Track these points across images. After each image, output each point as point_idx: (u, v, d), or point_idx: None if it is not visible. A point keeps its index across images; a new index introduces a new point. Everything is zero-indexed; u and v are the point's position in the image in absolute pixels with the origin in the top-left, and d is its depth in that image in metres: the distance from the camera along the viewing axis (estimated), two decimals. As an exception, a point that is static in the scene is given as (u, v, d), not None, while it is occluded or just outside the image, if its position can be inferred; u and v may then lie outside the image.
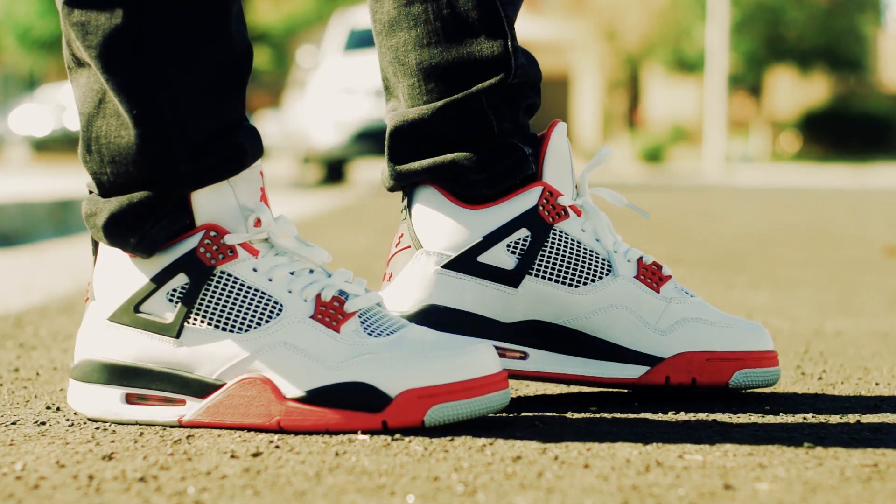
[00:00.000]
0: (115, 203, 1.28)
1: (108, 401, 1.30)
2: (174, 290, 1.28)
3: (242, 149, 1.29)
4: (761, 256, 3.96)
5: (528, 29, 32.95)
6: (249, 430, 1.25)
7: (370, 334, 1.25)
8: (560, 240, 1.42)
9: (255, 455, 1.13)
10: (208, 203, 1.28)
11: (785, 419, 1.32)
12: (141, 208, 1.27)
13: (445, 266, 1.42)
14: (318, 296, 1.27)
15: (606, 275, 1.42)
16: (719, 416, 1.33)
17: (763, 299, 2.64)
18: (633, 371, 1.41)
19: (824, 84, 32.32)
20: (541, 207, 1.42)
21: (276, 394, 1.23)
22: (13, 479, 1.05)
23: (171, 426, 1.28)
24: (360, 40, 13.25)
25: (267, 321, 1.26)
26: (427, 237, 1.43)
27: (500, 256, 1.42)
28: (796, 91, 32.44)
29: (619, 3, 30.58)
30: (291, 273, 1.28)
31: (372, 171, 16.70)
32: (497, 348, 1.42)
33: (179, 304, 1.27)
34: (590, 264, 1.43)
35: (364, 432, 1.21)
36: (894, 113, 31.16)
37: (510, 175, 1.42)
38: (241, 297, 1.27)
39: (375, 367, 1.22)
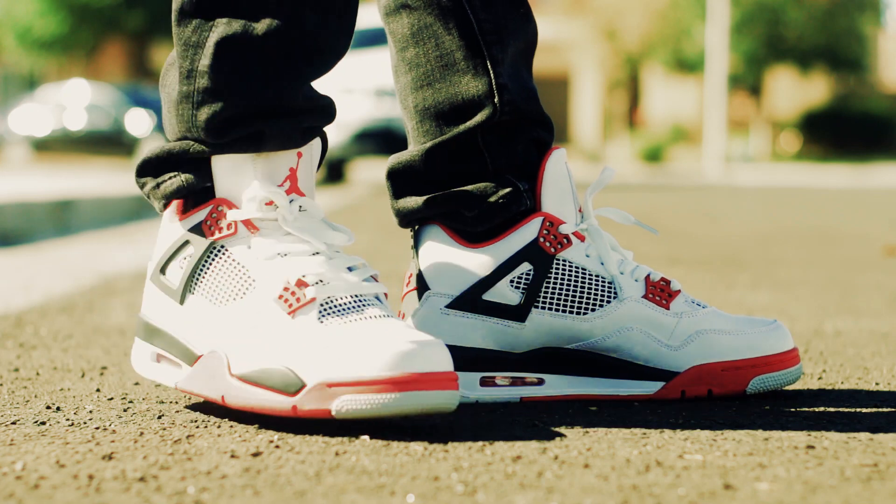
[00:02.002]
0: (155, 147, 1.36)
1: (145, 357, 1.37)
2: (184, 258, 1.34)
3: (261, 134, 1.31)
4: (761, 256, 3.96)
5: (528, 29, 32.86)
6: (207, 401, 1.25)
7: (321, 319, 1.25)
8: (564, 269, 1.43)
9: (255, 455, 1.13)
10: (226, 174, 1.32)
11: (785, 419, 1.32)
12: (165, 157, 1.35)
13: (450, 306, 1.43)
14: (288, 279, 1.28)
15: (613, 299, 1.43)
16: (719, 416, 1.33)
17: (763, 299, 2.64)
18: (649, 387, 1.42)
19: (824, 84, 32.32)
20: (542, 239, 1.43)
21: (227, 368, 1.27)
22: (13, 478, 1.05)
23: (167, 389, 1.31)
24: (360, 40, 13.25)
25: (241, 297, 1.29)
26: (432, 278, 1.45)
27: (505, 293, 1.43)
28: (796, 91, 32.44)
29: (619, 3, 30.58)
30: (283, 254, 1.29)
31: (372, 171, 16.70)
32: (513, 377, 1.42)
33: (185, 273, 1.33)
34: (595, 290, 1.43)
35: (363, 433, 1.21)
36: (894, 113, 31.16)
37: (502, 211, 1.43)
38: (227, 272, 1.31)
39: (299, 353, 1.23)
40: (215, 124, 1.31)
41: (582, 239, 1.45)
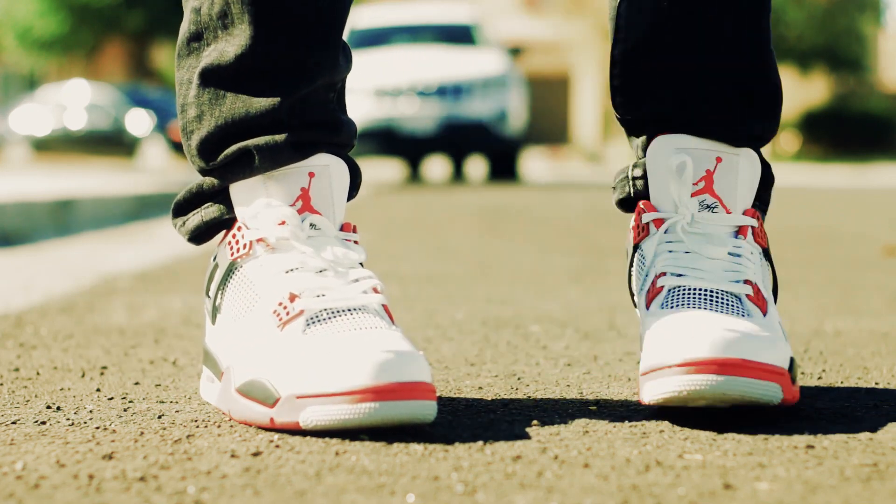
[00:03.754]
0: (182, 190, 1.42)
1: (203, 379, 1.40)
2: (215, 281, 1.38)
3: (250, 154, 1.34)
4: (761, 256, 3.96)
5: (528, 29, 32.93)
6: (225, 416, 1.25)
7: (305, 331, 1.26)
8: (639, 260, 1.43)
9: (256, 454, 1.14)
10: (242, 199, 1.36)
11: (785, 419, 1.32)
12: (190, 196, 1.41)
13: None
14: (283, 294, 1.29)
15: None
16: (719, 416, 1.33)
17: (763, 299, 2.63)
18: None
19: (824, 84, 32.33)
20: (631, 225, 1.44)
21: (231, 383, 1.29)
22: (13, 478, 1.05)
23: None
24: (360, 40, 13.24)
25: (248, 313, 1.32)
26: None
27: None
28: (796, 91, 32.44)
29: (619, 3, 30.55)
30: (289, 271, 1.30)
31: (372, 171, 16.69)
32: None
33: (213, 293, 1.38)
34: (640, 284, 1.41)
35: (363, 432, 1.21)
36: (894, 113, 31.16)
37: (617, 193, 1.50)
38: (241, 289, 1.34)
39: (276, 365, 1.24)
40: (204, 148, 1.36)
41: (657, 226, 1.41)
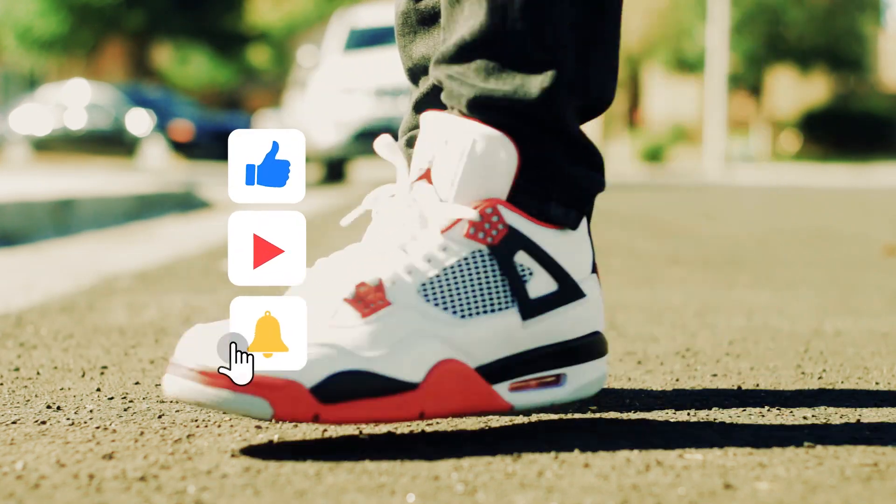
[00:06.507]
0: None
1: None
2: None
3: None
4: (761, 256, 3.96)
5: (528, 29, 32.85)
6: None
7: None
8: None
9: (256, 454, 1.13)
10: None
11: (785, 419, 1.32)
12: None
13: None
14: None
15: None
16: (719, 416, 1.33)
17: (763, 299, 2.64)
18: None
19: (824, 84, 32.35)
20: None
21: None
22: (14, 478, 1.05)
23: None
24: (360, 40, 13.24)
25: None
26: None
27: None
28: (796, 91, 32.44)
29: (620, 2, 30.57)
30: None
31: (372, 171, 16.69)
32: None
33: None
34: None
35: (363, 432, 1.21)
36: (894, 113, 31.17)
37: None
38: None
39: None
40: None
41: None
